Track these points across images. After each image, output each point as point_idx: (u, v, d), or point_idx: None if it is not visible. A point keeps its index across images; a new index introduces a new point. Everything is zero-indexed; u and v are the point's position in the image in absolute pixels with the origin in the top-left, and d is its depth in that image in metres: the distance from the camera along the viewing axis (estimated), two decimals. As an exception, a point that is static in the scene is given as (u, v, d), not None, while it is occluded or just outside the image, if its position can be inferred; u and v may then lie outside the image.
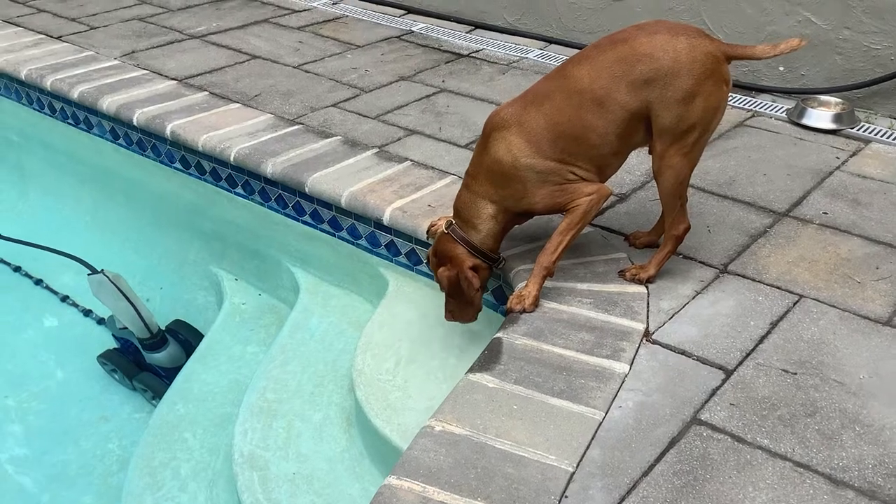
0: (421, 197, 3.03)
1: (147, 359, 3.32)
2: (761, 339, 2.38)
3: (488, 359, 2.28)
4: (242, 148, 3.34)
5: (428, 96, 3.88)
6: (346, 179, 3.14)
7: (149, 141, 3.68)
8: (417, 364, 2.68)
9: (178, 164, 3.62)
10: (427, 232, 2.82)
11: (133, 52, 4.33)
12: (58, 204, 4.20)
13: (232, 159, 3.34)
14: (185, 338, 3.40)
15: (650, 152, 2.46)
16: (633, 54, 2.32)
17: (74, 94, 3.83)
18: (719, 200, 3.06)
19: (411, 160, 3.30)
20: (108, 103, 3.73)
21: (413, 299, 2.94)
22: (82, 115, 3.92)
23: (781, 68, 3.90)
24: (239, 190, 3.44)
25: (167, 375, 3.28)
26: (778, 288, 2.59)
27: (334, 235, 3.21)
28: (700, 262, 2.72)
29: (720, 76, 2.35)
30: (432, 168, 3.24)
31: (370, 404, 2.52)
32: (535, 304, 2.45)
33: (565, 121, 2.37)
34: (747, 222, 2.93)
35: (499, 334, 2.37)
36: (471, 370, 2.25)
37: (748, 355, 2.32)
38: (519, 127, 2.40)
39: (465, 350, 2.72)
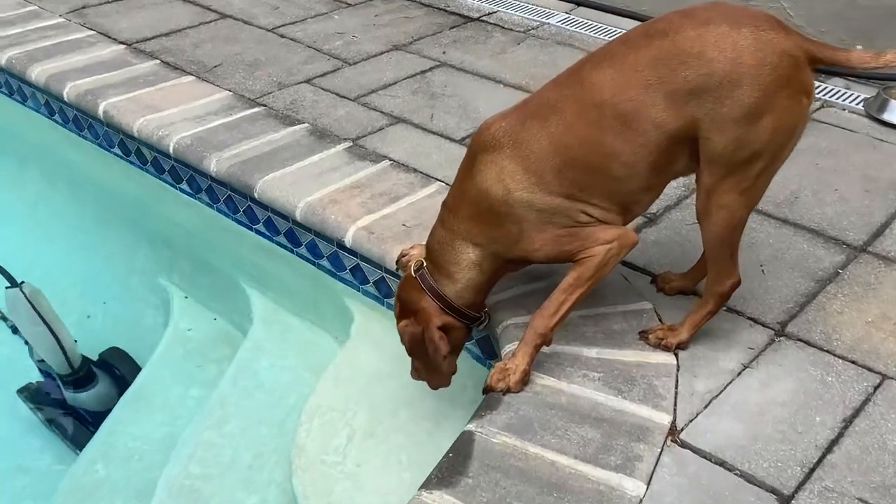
0: (395, 212, 2.40)
1: (69, 399, 2.74)
2: (831, 447, 1.74)
3: (452, 465, 1.67)
4: (183, 137, 2.72)
5: (423, 72, 3.21)
6: (305, 184, 2.51)
7: (85, 119, 3.07)
8: (376, 440, 2.08)
9: (117, 150, 3.01)
10: (397, 262, 2.20)
11: (83, 7, 3.69)
12: (-3, 189, 3.61)
13: (171, 150, 2.72)
14: (122, 373, 2.81)
15: (696, 183, 1.80)
16: (677, 53, 1.65)
17: (2, 60, 3.22)
18: (777, 226, 2.38)
19: (390, 159, 2.65)
20: (37, 73, 3.12)
21: (380, 343, 2.33)
22: (15, 84, 3.31)
23: (859, 47, 3.16)
24: (184, 186, 2.82)
25: (94, 421, 2.69)
26: (853, 363, 1.94)
27: (292, 252, 2.59)
28: (749, 317, 2.06)
29: (799, 86, 1.67)
30: (415, 171, 2.59)
31: (307, 499, 1.93)
32: (524, 381, 1.83)
33: (578, 143, 1.72)
34: (813, 260, 2.26)
35: (470, 426, 1.76)
36: (426, 484, 1.64)
37: (812, 472, 1.68)
38: (515, 148, 1.75)
39: (442, 420, 2.12)
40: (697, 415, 1.80)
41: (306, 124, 2.83)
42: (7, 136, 3.56)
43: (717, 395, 1.85)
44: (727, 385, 1.88)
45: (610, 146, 1.71)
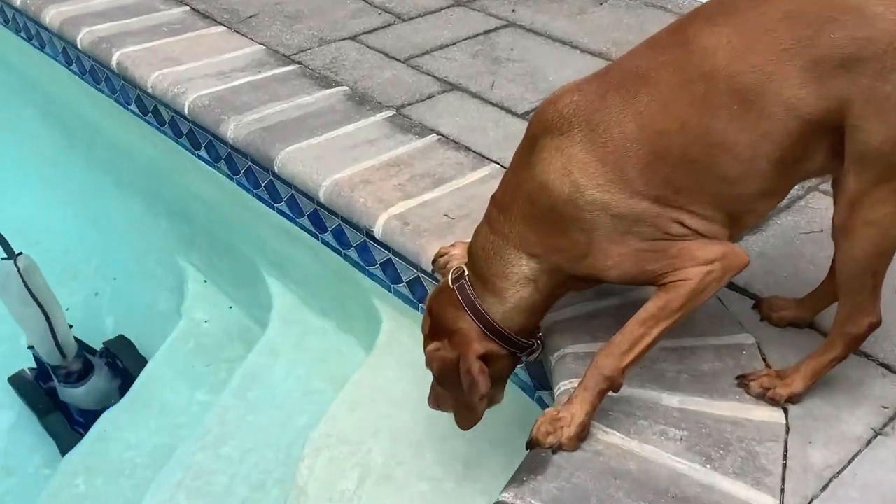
0: (437, 199, 1.97)
1: (60, 394, 2.39)
2: None
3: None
4: (201, 96, 2.33)
5: (487, 32, 2.76)
6: (333, 158, 2.10)
7: (101, 71, 2.71)
8: (394, 485, 1.68)
9: (133, 107, 2.64)
10: (433, 263, 1.77)
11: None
12: (16, 143, 3.28)
13: (187, 111, 2.33)
14: (125, 365, 2.45)
15: (833, 189, 1.33)
16: (824, 7, 1.18)
17: (17, 0, 2.88)
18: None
19: (438, 133, 2.22)
20: (52, 15, 2.77)
21: (410, 357, 1.90)
22: (32, 27, 2.97)
23: None
24: (203, 153, 2.44)
25: (85, 422, 2.34)
26: None
27: (317, 238, 2.19)
28: (882, 363, 1.59)
29: None
30: (466, 149, 2.16)
31: (300, 557, 1.54)
32: (581, 437, 1.39)
33: (676, 128, 1.27)
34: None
35: (506, 496, 1.33)
36: (442, 577, 1.23)
37: None
38: (589, 132, 1.31)
39: (476, 465, 1.71)
40: (813, 500, 1.35)
41: (345, 87, 2.42)
42: (29, 86, 3.23)
43: (839, 472, 1.39)
44: (853, 458, 1.41)
45: (721, 134, 1.25)
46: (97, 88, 2.77)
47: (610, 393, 1.41)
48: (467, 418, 1.54)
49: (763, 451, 1.40)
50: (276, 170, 2.12)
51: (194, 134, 2.43)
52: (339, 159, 2.09)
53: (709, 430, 1.44)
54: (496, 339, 1.46)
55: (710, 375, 1.54)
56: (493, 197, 1.47)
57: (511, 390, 1.76)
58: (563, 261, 1.39)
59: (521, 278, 1.43)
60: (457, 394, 1.51)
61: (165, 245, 2.75)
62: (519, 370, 1.78)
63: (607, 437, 1.42)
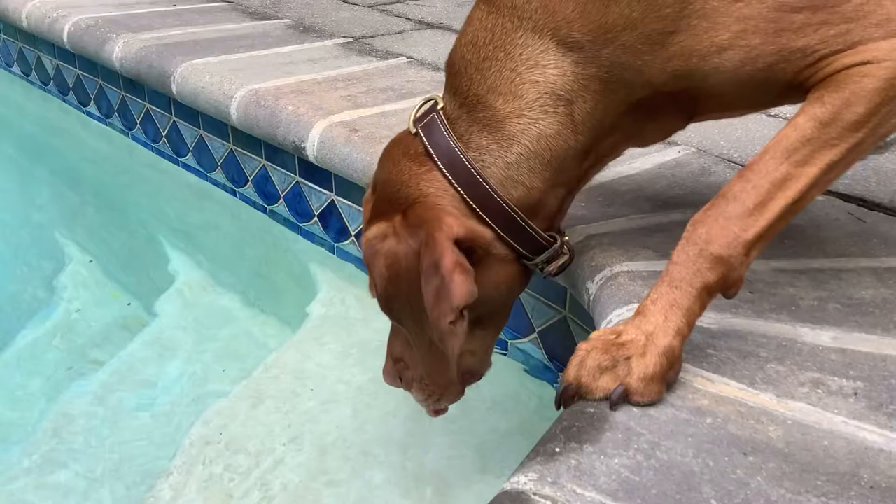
0: (404, 109, 1.33)
1: None
2: None
3: None
4: (85, 18, 1.71)
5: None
6: (257, 72, 1.46)
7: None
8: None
9: (16, 68, 2.03)
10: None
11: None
12: None
13: (66, 37, 1.72)
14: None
15: None
16: None
17: None
18: None
19: (409, 57, 1.60)
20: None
21: (358, 335, 1.23)
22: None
23: None
24: (92, 108, 1.81)
25: None
26: None
27: (234, 193, 1.54)
28: None
29: None
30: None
31: None
32: (667, 375, 0.70)
33: None
34: None
35: (521, 479, 0.62)
36: None
37: None
38: None
39: (454, 487, 0.99)
40: None
41: (287, 20, 1.81)
42: None
43: None
44: None
45: None
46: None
47: (716, 309, 0.73)
48: (437, 378, 0.85)
49: None
50: (174, 91, 1.48)
51: (82, 85, 1.80)
52: (262, 73, 1.46)
53: (887, 379, 0.75)
54: (489, 217, 0.79)
55: (876, 305, 0.86)
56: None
57: (516, 373, 1.08)
58: (626, 51, 0.74)
59: (544, 94, 0.77)
60: (414, 329, 0.82)
61: (45, 220, 2.06)
62: (527, 346, 1.10)
63: (713, 386, 0.73)
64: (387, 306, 0.83)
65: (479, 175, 0.78)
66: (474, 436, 1.07)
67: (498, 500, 0.61)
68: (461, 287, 0.74)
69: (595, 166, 0.85)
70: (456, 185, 0.78)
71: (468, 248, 0.78)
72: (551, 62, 0.76)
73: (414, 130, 0.82)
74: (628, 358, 0.69)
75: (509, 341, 1.14)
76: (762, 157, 0.71)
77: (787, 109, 1.35)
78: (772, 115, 1.36)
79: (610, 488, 0.61)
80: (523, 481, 0.62)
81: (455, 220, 0.77)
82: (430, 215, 0.77)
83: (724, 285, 0.71)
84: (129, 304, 1.75)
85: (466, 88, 0.80)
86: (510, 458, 1.02)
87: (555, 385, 1.09)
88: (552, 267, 0.85)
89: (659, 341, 0.69)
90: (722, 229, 0.70)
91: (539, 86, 0.77)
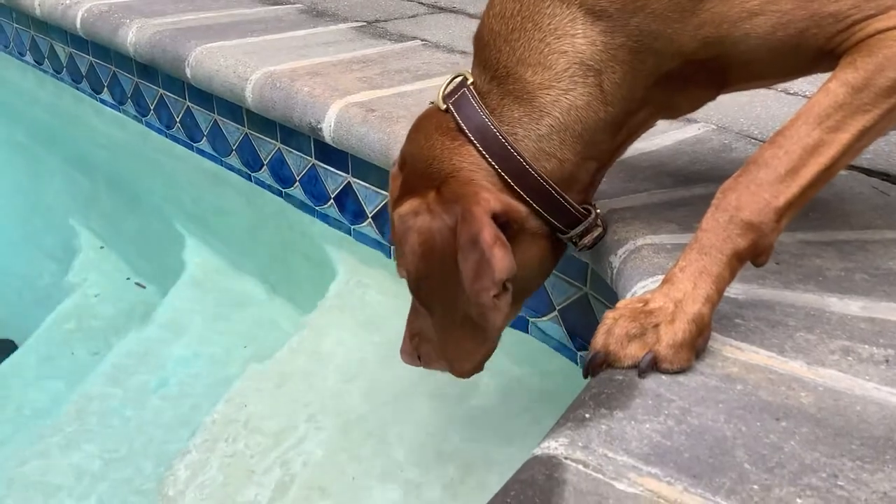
0: (420, 90, 1.32)
1: None
2: None
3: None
4: (98, 4, 1.71)
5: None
6: (272, 55, 1.46)
7: (-8, 18, 2.11)
8: (332, 501, 0.94)
9: (29, 57, 2.03)
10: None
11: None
12: None
13: (79, 24, 1.72)
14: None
15: None
16: None
17: None
18: None
19: (423, 39, 1.60)
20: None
21: (377, 316, 1.22)
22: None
23: None
24: (105, 96, 1.81)
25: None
26: None
27: (249, 178, 1.53)
28: None
29: None
30: (463, 52, 1.53)
31: None
32: (696, 342, 0.69)
33: None
34: None
35: (552, 444, 0.61)
36: None
37: None
38: None
39: (477, 470, 0.99)
40: None
41: (299, 5, 1.81)
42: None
43: None
44: None
45: None
46: (-10, 45, 2.17)
47: (745, 278, 0.73)
48: (472, 347, 0.84)
49: None
50: (189, 73, 1.48)
51: (95, 73, 1.81)
52: (277, 56, 1.45)
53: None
54: (524, 191, 0.78)
55: (902, 275, 0.85)
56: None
57: (533, 352, 1.08)
58: (655, 19, 0.73)
59: (574, 65, 0.76)
60: (447, 306, 0.82)
61: (58, 206, 2.06)
62: (548, 323, 1.10)
63: (743, 354, 0.72)
64: (416, 285, 0.82)
65: (513, 149, 0.78)
66: (494, 414, 1.07)
67: (529, 465, 0.61)
68: (502, 261, 0.74)
69: (627, 141, 0.84)
70: (490, 160, 0.78)
71: (503, 224, 0.77)
72: (580, 31, 0.76)
73: (444, 106, 0.82)
74: (657, 325, 0.69)
75: (530, 319, 1.14)
76: (794, 123, 0.70)
77: (808, 88, 1.34)
78: (791, 94, 1.35)
79: (642, 452, 0.60)
80: (554, 446, 0.62)
81: (491, 195, 0.77)
82: (466, 190, 0.77)
83: (754, 252, 0.71)
84: (144, 288, 1.76)
85: (496, 61, 0.79)
86: (532, 435, 1.01)
87: (577, 362, 1.08)
88: (587, 239, 0.85)
89: (688, 308, 0.68)
90: (753, 196, 0.69)
91: (568, 56, 0.76)
